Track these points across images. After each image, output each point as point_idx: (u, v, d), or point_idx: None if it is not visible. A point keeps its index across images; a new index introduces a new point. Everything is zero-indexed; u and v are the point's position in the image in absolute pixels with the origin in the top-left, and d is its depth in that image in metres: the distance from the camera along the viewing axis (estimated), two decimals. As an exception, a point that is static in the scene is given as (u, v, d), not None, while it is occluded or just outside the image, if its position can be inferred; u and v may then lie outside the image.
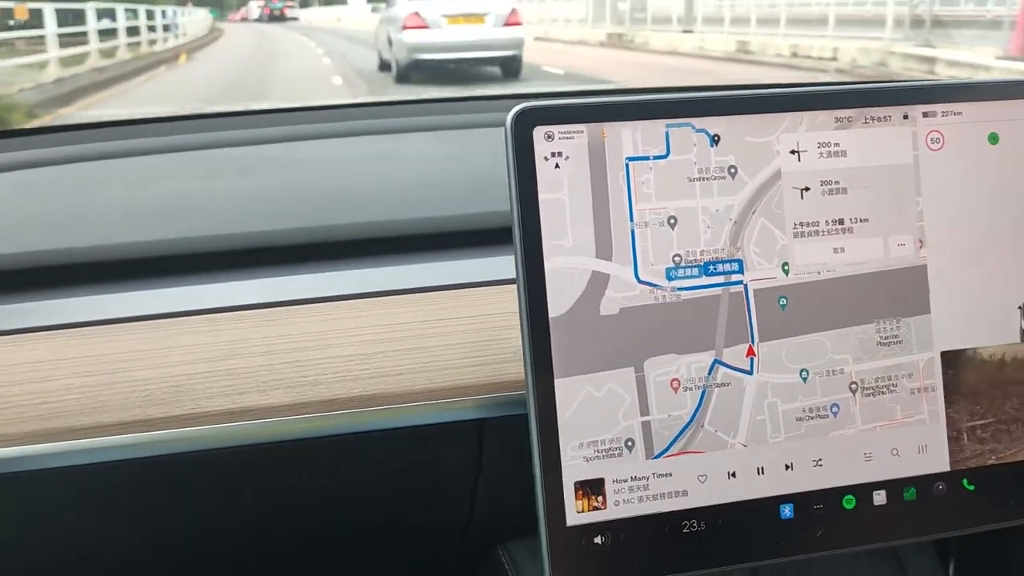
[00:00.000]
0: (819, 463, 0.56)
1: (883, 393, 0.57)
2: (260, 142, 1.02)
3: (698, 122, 0.55)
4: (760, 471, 0.56)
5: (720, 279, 0.55)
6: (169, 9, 19.19)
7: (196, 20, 26.36)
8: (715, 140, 0.55)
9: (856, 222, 0.57)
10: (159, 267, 0.76)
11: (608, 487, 0.54)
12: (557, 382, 0.53)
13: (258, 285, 0.74)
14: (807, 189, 0.56)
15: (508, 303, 0.70)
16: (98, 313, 0.67)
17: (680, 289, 0.54)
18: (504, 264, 0.73)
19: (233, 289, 0.73)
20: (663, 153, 0.54)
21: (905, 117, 0.58)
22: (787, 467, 0.56)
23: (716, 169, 0.55)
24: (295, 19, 51.03)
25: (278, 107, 1.14)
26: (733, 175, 0.55)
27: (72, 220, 0.83)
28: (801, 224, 0.56)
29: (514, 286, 0.53)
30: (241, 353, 0.64)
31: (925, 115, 0.58)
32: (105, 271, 0.75)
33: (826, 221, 0.57)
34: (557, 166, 0.53)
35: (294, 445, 0.61)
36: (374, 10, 13.21)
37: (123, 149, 0.96)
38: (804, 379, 0.56)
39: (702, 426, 0.55)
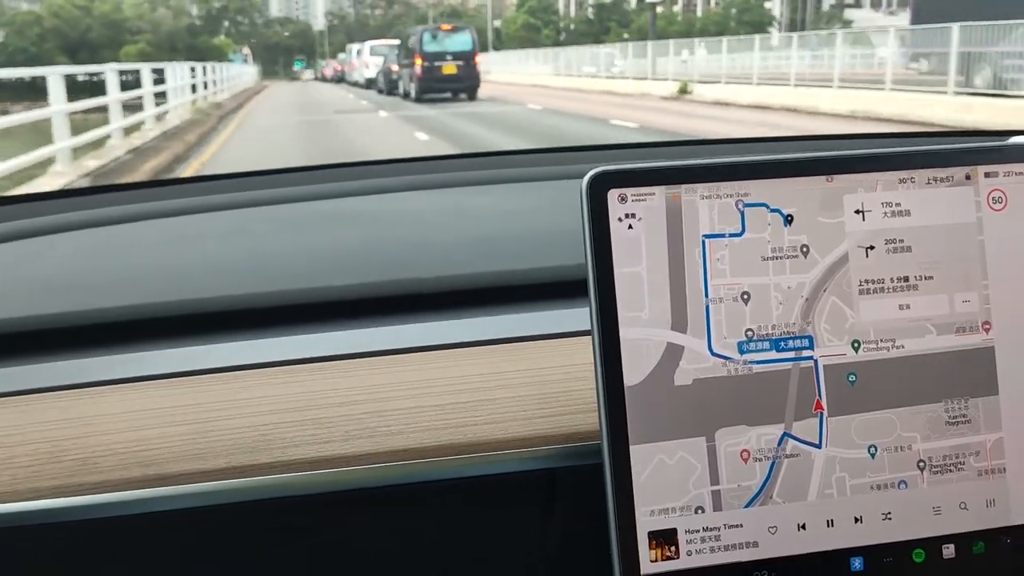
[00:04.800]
0: (888, 516, 0.58)
1: (950, 471, 0.58)
2: (335, 196, 1.06)
3: (773, 202, 0.57)
4: (830, 523, 0.57)
5: (791, 354, 0.57)
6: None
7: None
8: (788, 220, 0.57)
9: (921, 279, 0.58)
10: (244, 320, 0.80)
11: (680, 537, 0.56)
12: (632, 448, 0.55)
13: (335, 337, 0.77)
14: (872, 248, 0.58)
15: (578, 355, 0.72)
16: (190, 364, 0.71)
17: (752, 362, 0.56)
18: (574, 316, 0.76)
19: (312, 341, 0.76)
20: (738, 231, 0.57)
21: (967, 177, 0.59)
22: (856, 520, 0.57)
23: (789, 248, 0.57)
24: (473, 85, 19.48)
25: (352, 161, 1.19)
26: (805, 254, 0.57)
27: (162, 275, 0.87)
28: (867, 281, 0.58)
29: (583, 338, 0.55)
30: (323, 403, 0.67)
31: (987, 175, 0.60)
32: (194, 324, 0.78)
33: (891, 279, 0.58)
34: (630, 227, 0.56)
35: (374, 493, 0.64)
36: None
37: (207, 204, 1.01)
38: (872, 455, 0.57)
39: (771, 497, 0.56)
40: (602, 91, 22.28)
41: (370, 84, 25.68)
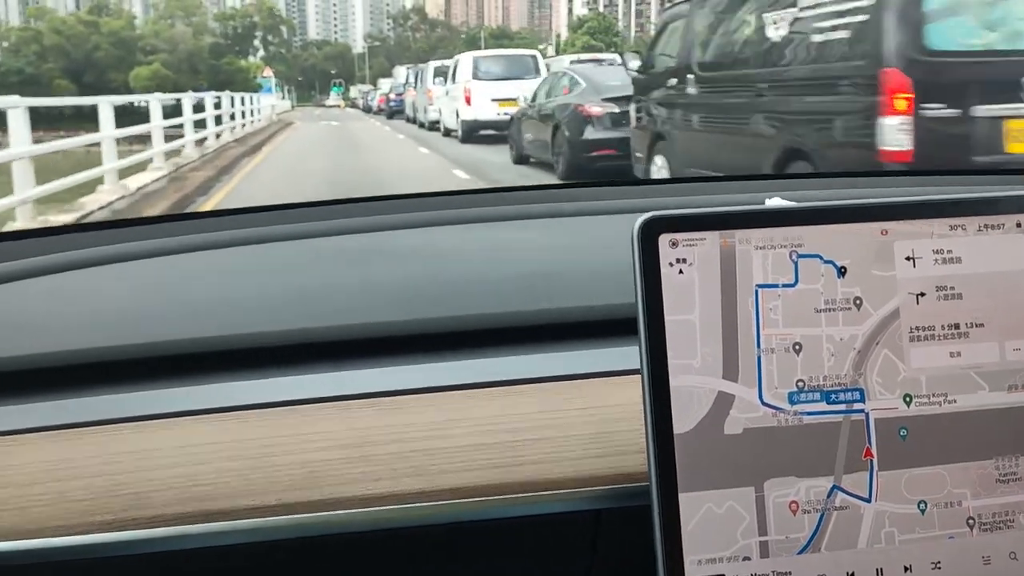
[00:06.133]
0: (938, 565, 0.57)
1: (1000, 529, 0.58)
2: (378, 229, 1.07)
3: (827, 253, 0.57)
4: (879, 572, 0.57)
5: (842, 406, 0.57)
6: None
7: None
8: (842, 272, 0.57)
9: (972, 327, 0.58)
10: (294, 355, 0.80)
11: None
12: (681, 496, 0.55)
13: (384, 374, 0.78)
14: (923, 295, 0.58)
15: (627, 394, 0.72)
16: (240, 399, 0.72)
17: (802, 413, 0.57)
18: (624, 355, 0.76)
19: (362, 377, 0.77)
20: (791, 282, 0.57)
21: (1018, 225, 0.59)
22: (906, 569, 0.57)
23: (842, 300, 0.57)
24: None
25: (393, 194, 1.19)
26: (858, 307, 0.57)
27: (212, 308, 0.88)
28: (917, 328, 0.58)
29: (631, 377, 0.55)
30: (373, 441, 0.68)
31: None
32: (245, 359, 0.79)
33: (942, 326, 0.58)
34: (681, 271, 0.56)
35: (423, 531, 0.64)
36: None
37: (253, 237, 1.01)
38: (922, 511, 0.57)
39: (819, 550, 0.56)
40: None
41: (470, 133, 13.93)
